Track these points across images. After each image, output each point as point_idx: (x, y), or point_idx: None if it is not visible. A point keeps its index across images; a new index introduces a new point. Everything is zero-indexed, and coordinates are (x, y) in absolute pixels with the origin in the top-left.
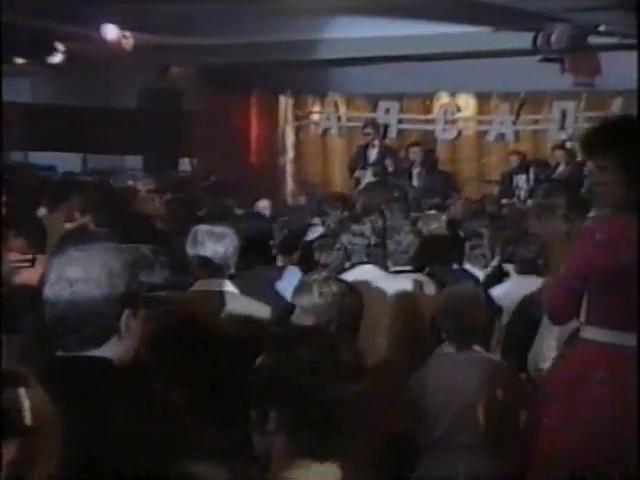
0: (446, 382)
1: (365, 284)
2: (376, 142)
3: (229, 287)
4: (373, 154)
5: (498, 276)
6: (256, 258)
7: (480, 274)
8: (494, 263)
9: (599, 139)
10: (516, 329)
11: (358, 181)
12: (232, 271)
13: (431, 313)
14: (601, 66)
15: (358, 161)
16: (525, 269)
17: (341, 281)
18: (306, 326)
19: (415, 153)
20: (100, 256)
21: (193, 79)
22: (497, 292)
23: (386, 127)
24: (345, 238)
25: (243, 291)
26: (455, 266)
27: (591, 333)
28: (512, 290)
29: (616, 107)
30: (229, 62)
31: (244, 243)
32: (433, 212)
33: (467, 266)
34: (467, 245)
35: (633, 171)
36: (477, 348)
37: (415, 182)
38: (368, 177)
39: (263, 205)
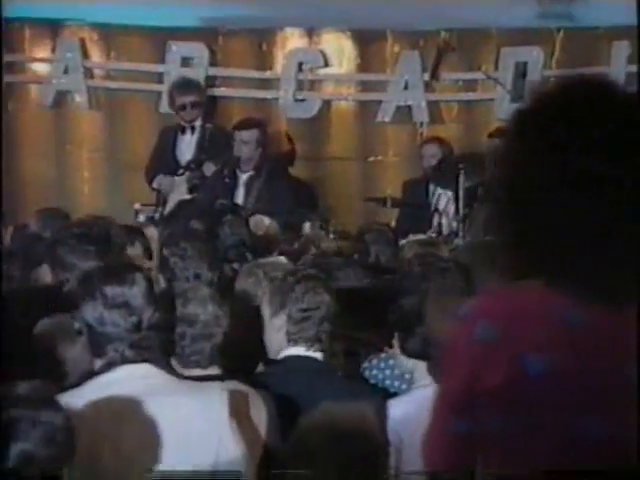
0: None
1: (127, 405)
2: (197, 122)
3: None
4: (191, 145)
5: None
6: None
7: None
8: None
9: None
10: None
11: (163, 197)
12: None
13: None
14: None
15: (162, 158)
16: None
17: None
18: None
19: (247, 144)
20: None
21: None
22: (392, 413)
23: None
24: (91, 312)
25: None
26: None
27: None
28: (416, 411)
29: (619, 57)
30: None
31: None
32: (277, 259)
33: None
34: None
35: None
36: None
37: (241, 196)
38: (181, 190)
39: None
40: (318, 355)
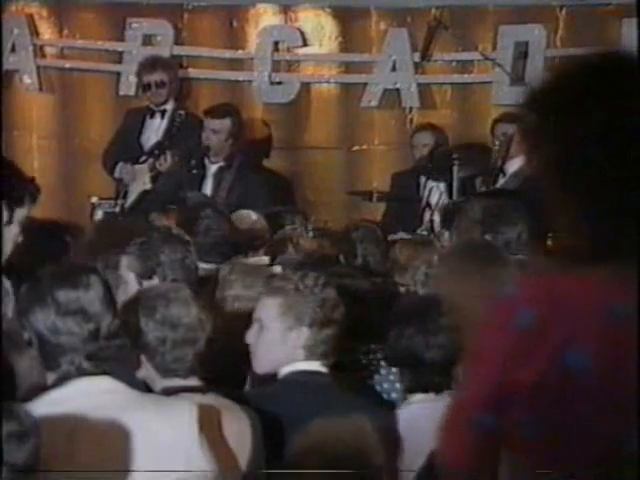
0: None
1: (83, 423)
2: (169, 106)
3: None
4: (159, 131)
5: None
6: None
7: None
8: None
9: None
10: None
11: (124, 188)
12: None
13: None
14: None
15: (125, 143)
16: (432, 384)
17: None
18: None
19: (217, 133)
20: None
21: None
22: None
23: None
24: (41, 320)
25: None
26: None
27: None
28: (414, 423)
29: (629, 36)
30: None
31: None
32: (260, 259)
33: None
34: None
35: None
36: None
37: (209, 189)
38: (143, 179)
39: None
40: (324, 369)
